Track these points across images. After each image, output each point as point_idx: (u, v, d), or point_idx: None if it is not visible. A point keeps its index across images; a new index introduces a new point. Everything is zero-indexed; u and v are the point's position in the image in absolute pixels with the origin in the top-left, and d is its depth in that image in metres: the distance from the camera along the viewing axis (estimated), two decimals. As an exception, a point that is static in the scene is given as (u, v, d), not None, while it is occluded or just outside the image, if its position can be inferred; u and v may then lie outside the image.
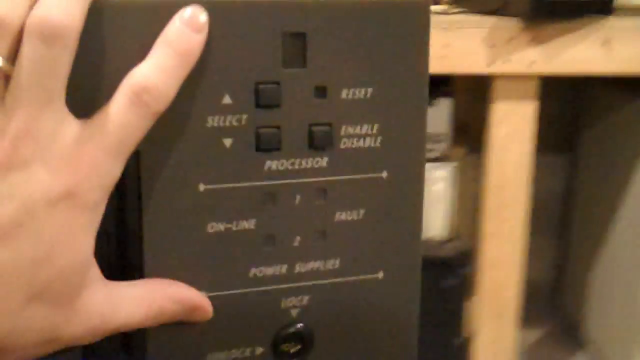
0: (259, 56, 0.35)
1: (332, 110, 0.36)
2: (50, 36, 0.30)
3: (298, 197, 0.37)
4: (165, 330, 0.35)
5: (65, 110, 0.32)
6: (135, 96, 0.32)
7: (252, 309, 0.37)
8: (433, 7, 1.22)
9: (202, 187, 0.35)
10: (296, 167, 0.36)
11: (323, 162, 0.37)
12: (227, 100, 0.35)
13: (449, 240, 1.14)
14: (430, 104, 1.12)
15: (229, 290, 0.36)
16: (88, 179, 0.31)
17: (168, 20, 0.33)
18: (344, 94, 0.36)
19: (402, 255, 0.39)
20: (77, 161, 0.31)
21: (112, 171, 0.32)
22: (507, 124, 1.10)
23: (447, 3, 1.27)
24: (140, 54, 0.33)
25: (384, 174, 0.38)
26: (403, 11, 0.37)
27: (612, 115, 1.37)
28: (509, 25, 1.04)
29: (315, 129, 0.36)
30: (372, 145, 0.37)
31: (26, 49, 0.30)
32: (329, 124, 0.37)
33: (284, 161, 0.36)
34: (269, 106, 0.35)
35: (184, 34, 0.33)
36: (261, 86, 0.35)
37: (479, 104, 1.17)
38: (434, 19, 1.13)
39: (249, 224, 0.36)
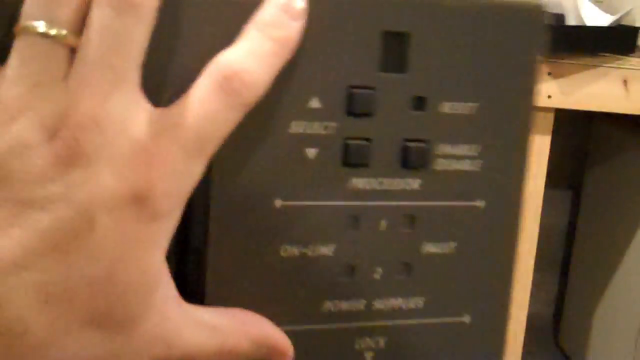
0: (354, 57, 0.31)
1: (430, 125, 0.32)
2: (123, 3, 0.25)
3: (383, 223, 0.32)
4: None
5: (139, 94, 0.26)
6: (226, 81, 0.27)
7: (323, 349, 0.33)
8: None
9: (278, 202, 0.31)
10: (385, 187, 0.32)
11: (415, 184, 0.32)
12: (315, 104, 0.30)
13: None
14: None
15: (298, 325, 0.32)
16: (161, 182, 0.26)
17: (252, 9, 0.28)
18: (445, 107, 0.32)
19: (492, 297, 0.34)
20: (150, 158, 0.26)
21: (192, 173, 0.27)
22: (520, 155, 1.08)
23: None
24: (225, 42, 0.28)
25: (482, 203, 0.33)
26: (514, 17, 0.32)
27: (621, 154, 1.36)
28: (528, 56, 1.03)
29: (409, 145, 0.32)
30: (471, 169, 0.33)
31: (94, 18, 0.25)
32: (425, 141, 0.32)
33: (372, 180, 0.31)
34: (361, 114, 0.31)
35: (280, 20, 0.28)
36: (354, 91, 0.30)
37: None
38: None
39: (327, 250, 0.31)
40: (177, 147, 0.26)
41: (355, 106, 0.30)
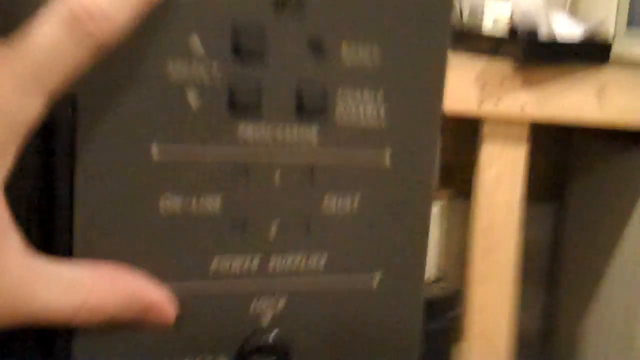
0: None
1: (328, 69, 0.29)
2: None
3: (277, 175, 0.29)
4: (98, 331, 0.28)
5: None
6: (74, 20, 0.24)
7: (214, 310, 0.30)
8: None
9: (155, 149, 0.28)
10: (278, 136, 0.29)
11: (312, 133, 0.29)
12: (195, 42, 0.27)
13: (435, 280, 1.12)
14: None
15: (183, 283, 0.29)
16: None
17: None
18: (344, 49, 0.29)
19: (403, 256, 0.32)
20: None
21: (25, 109, 0.24)
22: (497, 166, 1.08)
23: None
24: None
25: (387, 154, 0.31)
26: None
27: (602, 166, 1.36)
28: (501, 66, 1.04)
29: (305, 89, 0.29)
30: (374, 115, 0.30)
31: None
32: (323, 85, 0.29)
33: (263, 128, 0.29)
34: (249, 55, 0.28)
35: None
36: (241, 27, 0.28)
37: (465, 145, 1.16)
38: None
39: (213, 203, 0.29)
40: (10, 79, 0.24)
41: (243, 45, 0.28)
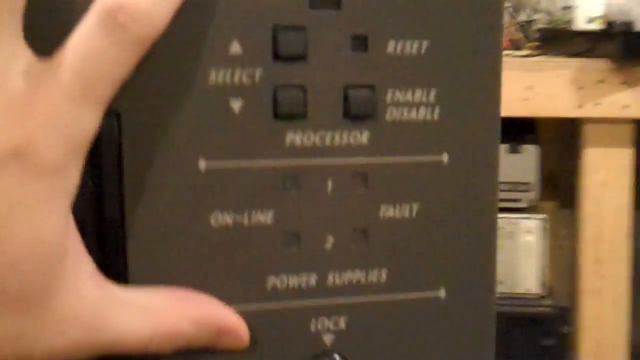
0: None
1: (376, 68, 0.28)
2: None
3: (330, 183, 0.28)
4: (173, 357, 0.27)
5: (17, 40, 0.24)
6: (108, 17, 0.23)
7: (272, 332, 0.28)
8: (515, 52, 1.18)
9: (202, 164, 0.27)
10: (327, 142, 0.28)
11: (363, 137, 0.28)
12: (235, 48, 0.27)
13: (544, 296, 1.06)
14: (516, 151, 1.07)
15: (239, 304, 0.28)
16: (43, 132, 0.23)
17: None
18: (390, 46, 0.28)
19: (469, 267, 0.30)
20: (28, 109, 0.23)
21: (79, 122, 0.24)
22: (602, 171, 1.03)
23: (530, 47, 1.22)
24: None
25: (445, 157, 0.29)
26: None
27: None
28: (598, 66, 0.98)
29: (352, 92, 0.28)
30: (429, 117, 0.28)
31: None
32: (371, 87, 0.28)
33: (311, 134, 0.28)
34: (290, 58, 0.27)
35: None
36: (281, 31, 0.27)
37: (567, 152, 1.11)
38: (515, 61, 1.08)
39: (264, 217, 0.28)
40: (59, 93, 0.23)
41: (283, 49, 0.27)
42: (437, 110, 0.29)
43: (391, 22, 0.28)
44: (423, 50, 0.28)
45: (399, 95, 0.28)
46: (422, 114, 0.29)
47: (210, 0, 0.26)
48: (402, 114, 0.28)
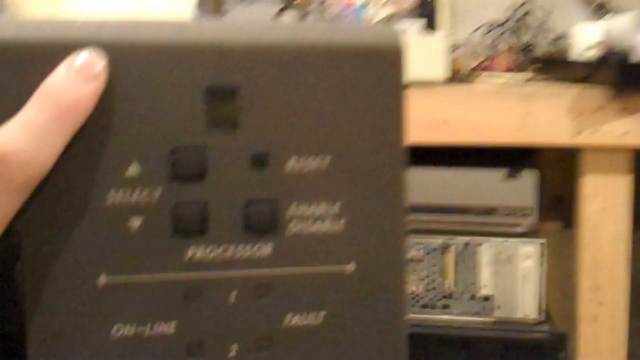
0: (177, 115, 0.28)
1: (276, 184, 0.29)
2: None
3: (234, 294, 0.29)
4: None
5: None
6: None
7: None
8: (514, 75, 1.18)
9: (103, 279, 0.28)
10: (229, 255, 0.29)
11: (266, 249, 0.29)
12: (134, 169, 0.28)
13: (541, 322, 1.06)
14: (514, 175, 1.07)
15: None
16: None
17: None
18: (291, 162, 0.29)
19: None
20: None
21: None
22: (600, 198, 1.02)
23: (528, 72, 1.22)
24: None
25: (351, 266, 0.30)
26: (369, 58, 0.29)
27: None
28: (596, 94, 0.98)
29: (253, 207, 0.29)
30: (334, 228, 0.29)
31: None
32: (272, 201, 0.29)
33: (213, 248, 0.28)
34: (189, 177, 0.28)
35: (68, 84, 0.26)
36: (179, 151, 0.28)
37: (570, 176, 1.11)
38: (513, 88, 1.08)
39: (167, 328, 0.28)
40: None
41: (182, 168, 0.28)
42: (342, 221, 0.29)
43: (292, 139, 0.29)
44: (326, 165, 0.29)
45: (303, 209, 0.29)
46: (327, 225, 0.29)
47: (109, 123, 0.27)
48: (306, 226, 0.29)
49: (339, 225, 0.29)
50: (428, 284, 1.07)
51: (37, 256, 0.27)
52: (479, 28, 1.36)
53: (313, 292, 0.30)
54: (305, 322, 0.30)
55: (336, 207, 0.29)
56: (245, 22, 0.29)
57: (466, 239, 1.07)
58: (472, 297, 1.07)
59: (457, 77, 1.09)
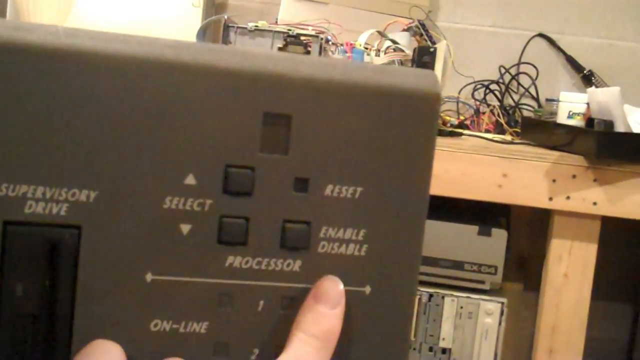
0: (234, 136, 0.30)
1: (313, 207, 0.31)
2: None
3: (262, 303, 0.31)
4: None
5: None
6: None
7: None
8: (496, 136, 1.21)
9: (149, 277, 0.30)
10: (263, 267, 0.31)
11: (295, 265, 0.31)
12: (190, 180, 0.30)
13: (497, 381, 1.07)
14: (485, 233, 1.09)
15: None
16: None
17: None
18: (328, 189, 0.31)
19: None
20: None
21: None
22: (565, 263, 1.05)
23: (510, 134, 1.25)
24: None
25: (367, 289, 0.32)
26: (409, 101, 0.32)
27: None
28: (572, 161, 1.01)
29: (289, 225, 0.31)
30: (356, 253, 0.32)
31: None
32: (307, 223, 0.31)
33: (249, 259, 0.31)
34: (238, 193, 0.30)
35: (319, 314, 0.30)
36: (232, 170, 0.30)
37: (537, 239, 1.13)
38: (494, 147, 1.10)
39: (199, 327, 0.31)
40: None
41: (232, 185, 0.30)
42: (364, 247, 0.32)
43: (332, 168, 0.31)
44: (357, 195, 0.32)
45: (332, 232, 0.32)
46: (351, 249, 0.32)
47: (173, 137, 0.30)
48: (333, 248, 0.32)
49: (361, 251, 0.32)
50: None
51: (93, 249, 0.29)
52: (466, 85, 1.39)
53: None
54: None
55: (361, 234, 0.32)
56: (305, 56, 0.31)
57: (431, 290, 1.08)
58: (431, 349, 1.08)
59: (441, 131, 1.11)
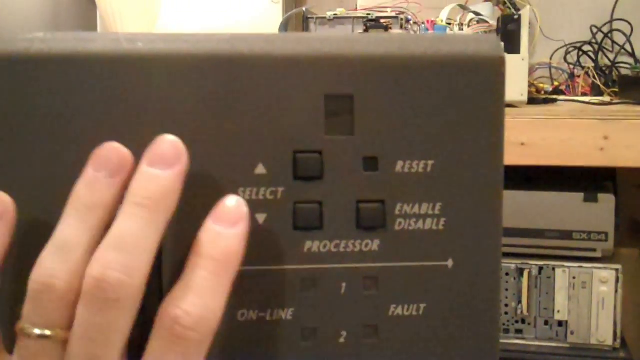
0: (298, 122, 0.31)
1: (385, 185, 0.31)
2: (104, 300, 0.27)
3: (344, 285, 0.31)
4: None
5: None
6: (172, 335, 0.28)
7: None
8: (593, 99, 1.16)
9: None
10: (341, 249, 0.31)
11: (374, 245, 0.31)
12: (260, 170, 0.31)
13: (617, 349, 1.04)
14: (591, 199, 1.05)
15: None
16: None
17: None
18: (399, 166, 0.31)
19: (474, 356, 0.32)
20: None
21: None
22: (681, 223, 1.00)
23: (608, 94, 1.20)
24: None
25: (449, 263, 0.32)
26: (471, 68, 0.31)
27: None
28: (678, 116, 0.96)
29: (363, 206, 0.31)
30: (434, 227, 0.32)
31: (79, 315, 0.28)
32: (381, 201, 0.31)
33: (327, 242, 0.31)
34: (309, 178, 0.31)
35: (219, 237, 0.29)
36: (300, 155, 0.31)
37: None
38: (592, 109, 1.07)
39: (285, 314, 0.31)
40: None
41: (302, 170, 0.31)
42: (442, 221, 0.32)
43: (400, 144, 0.31)
44: (429, 169, 0.31)
45: (407, 209, 0.31)
46: (429, 224, 0.32)
47: (240, 128, 0.30)
48: (410, 224, 0.32)
49: (439, 225, 0.32)
50: (501, 308, 1.06)
51: (175, 246, 0.30)
52: (558, 49, 1.35)
53: (415, 286, 0.32)
54: (407, 313, 0.32)
55: (437, 208, 0.32)
56: (360, 34, 0.31)
57: (541, 263, 1.05)
58: (546, 322, 1.06)
59: (535, 99, 1.08)
